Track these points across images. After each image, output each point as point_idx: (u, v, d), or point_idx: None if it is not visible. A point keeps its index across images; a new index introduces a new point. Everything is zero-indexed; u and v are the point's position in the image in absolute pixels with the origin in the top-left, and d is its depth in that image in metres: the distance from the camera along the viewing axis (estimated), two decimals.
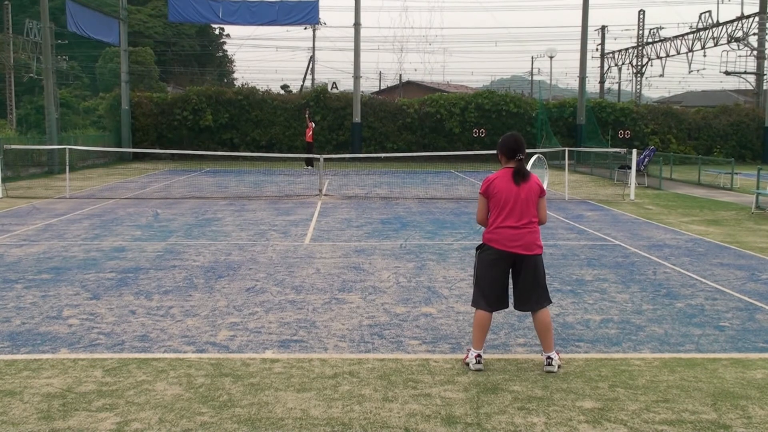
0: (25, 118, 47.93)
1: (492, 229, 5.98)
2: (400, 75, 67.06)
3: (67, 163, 21.52)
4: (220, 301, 8.30)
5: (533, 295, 6.02)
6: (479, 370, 5.96)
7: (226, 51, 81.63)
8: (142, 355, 6.35)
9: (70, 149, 22.35)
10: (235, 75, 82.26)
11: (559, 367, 6.02)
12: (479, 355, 6.00)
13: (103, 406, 5.23)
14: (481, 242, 6.15)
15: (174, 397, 5.39)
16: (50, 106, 29.27)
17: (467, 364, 6.06)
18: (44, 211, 16.32)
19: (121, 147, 35.93)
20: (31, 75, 49.62)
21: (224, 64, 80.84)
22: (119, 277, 9.55)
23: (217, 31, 76.22)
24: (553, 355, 6.03)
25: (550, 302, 6.20)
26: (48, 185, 23.00)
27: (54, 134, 28.72)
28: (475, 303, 6.13)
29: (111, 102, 40.18)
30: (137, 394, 5.46)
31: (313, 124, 33.22)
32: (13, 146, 23.63)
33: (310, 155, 31.02)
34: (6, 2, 49.59)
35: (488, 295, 6.02)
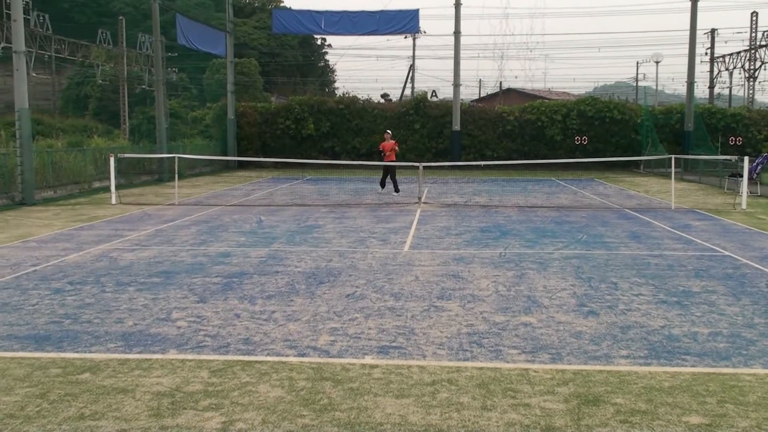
0: (137, 128, 50.07)
1: None
2: (501, 82, 66.44)
3: (176, 171, 22.29)
4: (321, 306, 8.44)
5: None
6: None
7: (328, 61, 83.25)
8: (246, 358, 6.53)
9: (178, 158, 23.14)
10: (336, 84, 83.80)
11: None
12: None
13: (209, 405, 5.41)
14: None
15: (276, 399, 5.52)
16: (160, 116, 30.45)
17: None
18: (154, 217, 16.97)
19: (226, 155, 37.00)
20: (143, 86, 51.99)
21: (326, 74, 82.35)
22: (225, 281, 9.84)
23: (318, 42, 77.74)
24: None
25: None
26: (158, 192, 23.92)
27: (164, 143, 29.84)
28: None
29: (217, 112, 41.56)
30: (241, 395, 5.62)
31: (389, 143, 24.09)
32: (125, 155, 24.72)
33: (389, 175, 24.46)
34: (120, 17, 52.05)
35: None
